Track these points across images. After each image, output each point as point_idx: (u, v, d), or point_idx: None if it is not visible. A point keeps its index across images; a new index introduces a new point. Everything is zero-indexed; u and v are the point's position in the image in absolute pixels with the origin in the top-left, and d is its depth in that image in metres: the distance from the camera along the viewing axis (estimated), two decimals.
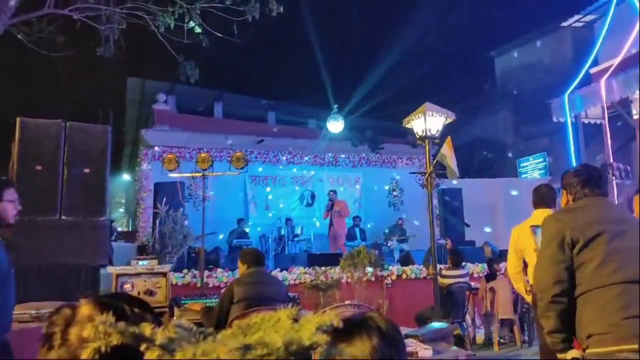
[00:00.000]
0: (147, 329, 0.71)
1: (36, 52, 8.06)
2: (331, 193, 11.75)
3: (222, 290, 4.84)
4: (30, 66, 11.08)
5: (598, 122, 11.54)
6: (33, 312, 3.79)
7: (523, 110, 15.99)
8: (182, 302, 5.00)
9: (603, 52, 11.96)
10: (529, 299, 4.29)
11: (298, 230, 11.72)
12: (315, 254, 11.10)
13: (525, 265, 4.17)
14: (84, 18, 7.65)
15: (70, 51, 8.40)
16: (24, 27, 7.89)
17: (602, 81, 10.68)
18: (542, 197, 4.16)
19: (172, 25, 7.73)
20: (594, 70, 12.04)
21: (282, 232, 11.56)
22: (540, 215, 4.02)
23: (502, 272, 7.06)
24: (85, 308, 1.14)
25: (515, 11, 16.05)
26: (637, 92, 10.49)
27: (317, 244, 12.38)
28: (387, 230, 12.42)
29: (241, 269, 4.19)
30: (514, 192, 13.08)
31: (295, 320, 0.76)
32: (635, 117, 11.54)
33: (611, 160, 10.66)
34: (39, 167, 5.38)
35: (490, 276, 7.30)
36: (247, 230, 11.60)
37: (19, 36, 7.89)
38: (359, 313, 1.29)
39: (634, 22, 10.98)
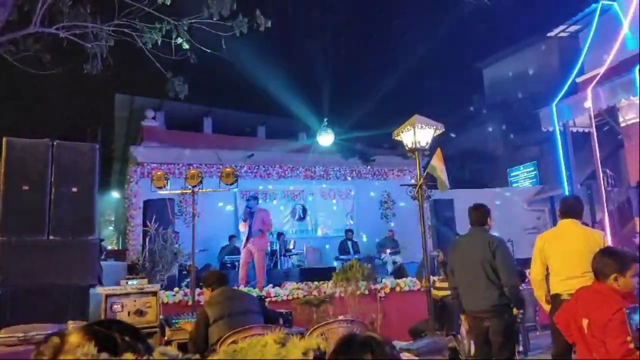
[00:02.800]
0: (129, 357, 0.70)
1: (23, 70, 8.03)
2: (250, 199, 9.91)
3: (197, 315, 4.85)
4: (17, 85, 11.04)
5: (586, 130, 11.64)
6: (21, 335, 3.72)
7: (512, 120, 16.14)
8: (174, 321, 4.96)
9: (588, 62, 12.14)
10: (547, 308, 4.30)
11: (290, 245, 11.68)
12: (308, 268, 11.06)
13: (548, 273, 4.23)
14: (71, 36, 7.63)
15: (58, 69, 8.37)
16: (10, 46, 7.87)
17: (589, 90, 10.81)
18: (570, 208, 4.29)
19: (159, 42, 7.73)
20: (580, 79, 12.21)
21: (275, 247, 11.44)
22: (567, 225, 4.17)
23: None
24: (74, 337, 1.12)
25: (502, 23, 16.28)
26: (623, 100, 10.63)
27: (310, 258, 12.33)
28: (379, 243, 12.44)
29: (206, 294, 4.23)
30: (506, 201, 13.18)
31: (283, 345, 0.75)
32: (622, 124, 11.69)
33: (600, 168, 10.76)
34: (26, 187, 5.32)
35: None
36: (238, 246, 11.38)
37: (5, 55, 7.86)
38: (356, 332, 1.30)
39: (617, 32, 11.17)
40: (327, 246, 12.93)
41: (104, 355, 0.71)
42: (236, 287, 7.38)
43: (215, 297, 4.09)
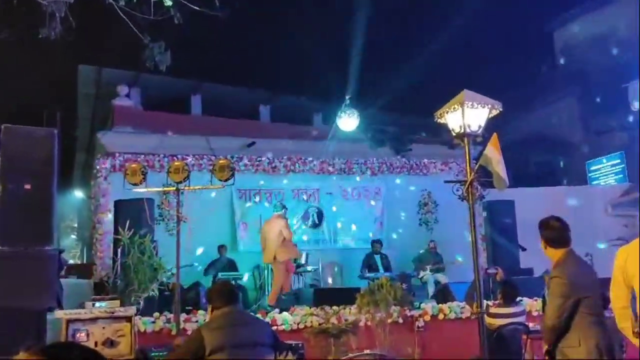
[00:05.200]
0: None
1: None
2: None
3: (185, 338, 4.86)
4: None
5: None
6: None
7: (592, 97, 15.94)
8: (153, 354, 5.15)
9: None
10: (637, 342, 4.20)
11: (302, 259, 11.60)
12: (325, 289, 11.40)
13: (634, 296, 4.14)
14: None
15: (4, 34, 8.45)
16: None
17: None
18: None
19: None
20: None
21: None
22: None
23: None
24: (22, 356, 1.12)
25: None
26: None
27: (327, 276, 12.36)
28: (417, 257, 12.38)
29: (210, 313, 4.25)
30: (583, 204, 13.05)
31: None
32: None
33: None
34: None
35: None
36: (232, 259, 11.68)
37: None
38: None
39: None
40: (349, 261, 12.91)
41: None
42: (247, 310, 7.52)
43: (218, 320, 4.07)
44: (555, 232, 4.07)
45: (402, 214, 13.65)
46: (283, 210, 10.55)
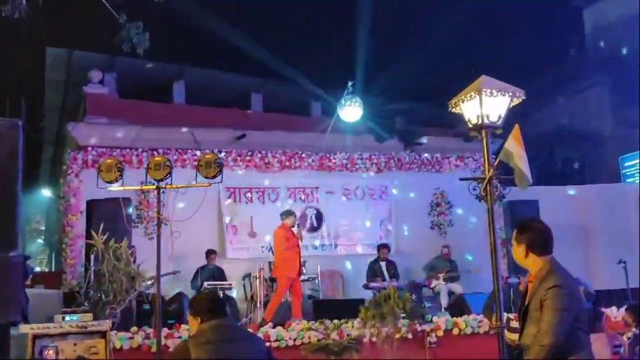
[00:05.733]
0: None
1: None
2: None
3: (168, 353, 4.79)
4: None
5: None
6: None
7: (627, 84, 15.73)
8: None
9: None
10: None
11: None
12: (324, 300, 11.35)
13: None
14: None
15: None
16: None
17: None
18: None
19: None
20: None
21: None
22: None
23: (602, 323, 7.25)
24: None
25: None
26: None
27: (327, 286, 12.30)
28: (429, 264, 12.36)
29: (193, 324, 4.22)
30: (616, 204, 13.05)
31: None
32: None
33: None
34: None
35: None
36: (221, 267, 11.65)
37: None
38: None
39: None
40: (351, 268, 12.92)
41: None
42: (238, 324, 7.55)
43: (206, 334, 4.03)
44: (540, 235, 3.92)
45: (411, 215, 13.57)
46: (288, 218, 10.51)
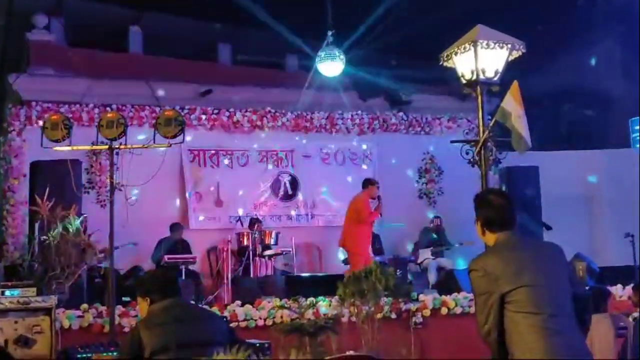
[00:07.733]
0: None
1: None
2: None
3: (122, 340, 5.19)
4: None
5: None
6: None
7: (638, 40, 15.73)
8: (80, 356, 5.31)
9: None
10: None
11: (270, 239, 11.67)
12: (299, 276, 11.57)
13: None
14: None
15: None
16: None
17: None
18: None
19: None
20: None
21: (245, 242, 11.51)
22: None
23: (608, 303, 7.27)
24: None
25: None
26: None
27: (302, 260, 12.45)
28: (417, 237, 12.63)
29: (142, 306, 4.29)
30: (624, 172, 13.09)
31: None
32: None
33: None
34: None
35: None
36: (187, 240, 11.63)
37: None
38: None
39: None
40: (329, 241, 12.72)
41: None
42: (193, 302, 7.75)
43: (158, 316, 4.13)
44: (493, 210, 3.78)
45: (398, 183, 13.43)
46: (371, 189, 10.96)
